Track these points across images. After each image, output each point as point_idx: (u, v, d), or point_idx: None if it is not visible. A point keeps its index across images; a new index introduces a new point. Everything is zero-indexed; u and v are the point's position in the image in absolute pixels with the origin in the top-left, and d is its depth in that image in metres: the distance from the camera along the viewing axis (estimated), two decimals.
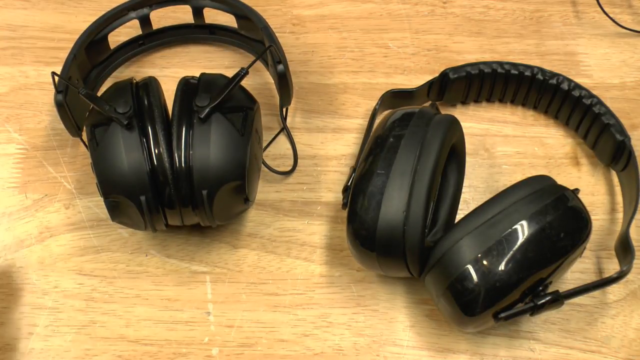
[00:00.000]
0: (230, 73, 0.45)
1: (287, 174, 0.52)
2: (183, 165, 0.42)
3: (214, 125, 0.42)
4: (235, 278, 0.49)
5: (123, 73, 0.58)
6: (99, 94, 0.47)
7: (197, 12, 0.57)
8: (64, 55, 0.58)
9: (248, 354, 0.47)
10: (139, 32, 0.57)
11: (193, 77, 0.46)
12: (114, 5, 0.61)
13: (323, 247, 0.51)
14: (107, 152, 0.42)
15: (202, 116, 0.42)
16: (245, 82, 0.45)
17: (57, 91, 0.46)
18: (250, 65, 0.45)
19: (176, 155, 0.42)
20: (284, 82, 0.49)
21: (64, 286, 0.49)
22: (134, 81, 0.46)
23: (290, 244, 0.51)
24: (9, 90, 0.57)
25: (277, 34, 0.61)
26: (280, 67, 0.49)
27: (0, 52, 0.58)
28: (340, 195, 0.52)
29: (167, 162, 0.42)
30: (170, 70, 0.59)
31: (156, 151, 0.42)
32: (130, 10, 0.55)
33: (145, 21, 0.56)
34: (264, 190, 0.53)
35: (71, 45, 0.59)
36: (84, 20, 0.60)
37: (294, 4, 0.63)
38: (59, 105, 0.46)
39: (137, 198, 0.42)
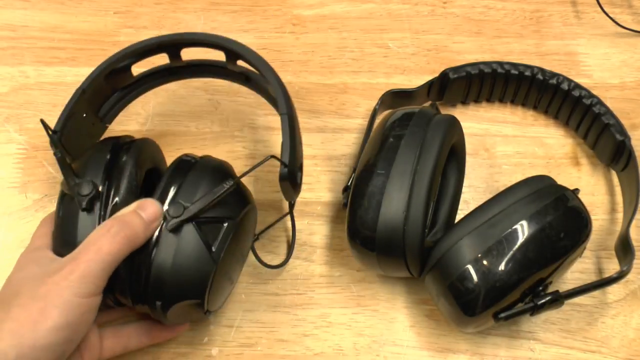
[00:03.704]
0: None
1: (278, 267, 0.49)
2: (140, 271, 0.39)
3: (182, 237, 0.39)
4: None
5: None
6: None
7: (231, 59, 0.49)
8: (64, 55, 0.58)
9: (248, 354, 0.47)
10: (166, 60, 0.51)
11: (189, 160, 0.42)
12: (115, 5, 0.61)
13: (323, 247, 0.51)
14: (64, 227, 0.41)
15: (169, 229, 0.39)
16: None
17: (52, 131, 0.43)
18: (242, 176, 0.41)
19: (135, 258, 0.39)
20: (285, 184, 0.43)
21: None
22: (124, 141, 0.44)
23: (289, 243, 0.51)
24: (9, 90, 0.56)
25: (277, 34, 0.61)
26: (284, 170, 0.42)
27: (0, 52, 0.58)
28: (340, 195, 0.52)
29: (125, 261, 0.39)
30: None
31: None
32: (160, 48, 0.48)
33: (175, 55, 0.50)
34: (264, 190, 0.53)
35: (71, 45, 0.59)
36: (84, 20, 0.61)
37: (294, 4, 0.63)
38: (55, 146, 0.43)
39: None
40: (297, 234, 0.51)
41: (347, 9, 0.63)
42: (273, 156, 0.42)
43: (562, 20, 0.63)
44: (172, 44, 0.48)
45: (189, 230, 0.39)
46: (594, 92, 0.54)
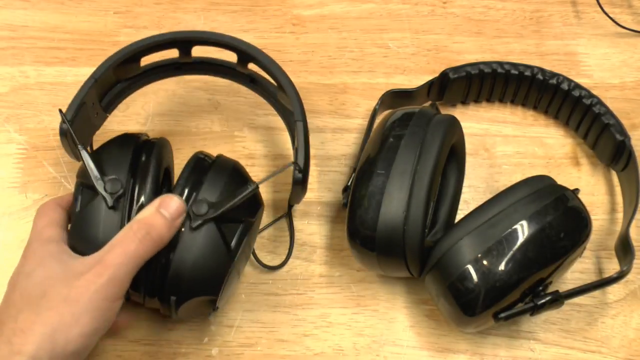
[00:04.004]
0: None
1: (277, 268, 0.50)
2: (159, 266, 0.40)
3: (204, 235, 0.40)
4: None
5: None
6: (112, 110, 0.45)
7: (243, 61, 0.50)
8: (64, 55, 0.58)
9: (248, 354, 0.47)
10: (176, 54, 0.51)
11: (205, 158, 0.43)
12: (115, 5, 0.61)
13: (323, 247, 0.51)
14: (86, 224, 0.40)
15: (193, 226, 0.39)
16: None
17: (64, 121, 0.43)
18: (263, 181, 0.42)
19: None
20: (297, 188, 0.45)
21: None
22: (144, 139, 0.44)
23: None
24: (9, 90, 0.56)
25: (277, 34, 0.61)
26: (299, 175, 0.44)
27: (0, 52, 0.58)
28: (340, 195, 0.52)
29: None
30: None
31: None
32: (173, 44, 0.49)
33: (185, 52, 0.50)
34: (264, 190, 0.53)
35: (71, 45, 0.59)
36: (84, 20, 0.61)
37: (294, 4, 0.63)
38: (63, 134, 0.44)
39: None
40: (297, 234, 0.51)
41: (347, 9, 0.63)
42: (294, 163, 0.43)
43: (562, 20, 0.63)
44: (187, 41, 0.49)
45: (211, 228, 0.40)
46: (594, 92, 0.54)
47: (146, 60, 0.50)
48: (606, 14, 0.62)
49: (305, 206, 0.52)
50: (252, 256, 0.49)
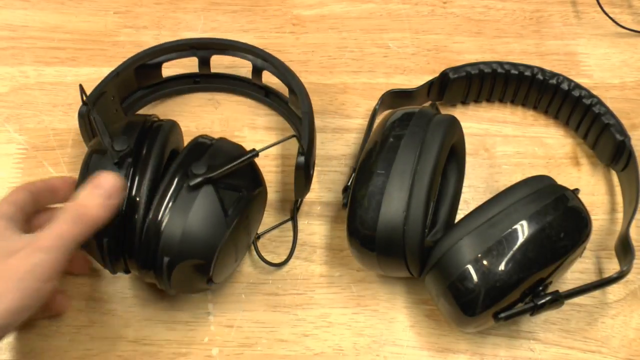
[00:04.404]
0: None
1: (279, 265, 0.50)
2: (154, 224, 0.40)
3: (201, 197, 0.40)
4: (235, 278, 0.49)
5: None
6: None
7: (257, 72, 0.54)
8: (64, 55, 0.58)
9: (248, 354, 0.47)
10: (195, 69, 0.55)
11: (209, 139, 0.44)
12: (115, 5, 0.61)
13: (323, 247, 0.51)
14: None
15: (191, 184, 0.40)
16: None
17: (83, 103, 0.44)
18: (263, 149, 0.42)
19: (152, 211, 0.40)
20: (299, 174, 0.46)
21: (64, 286, 0.48)
22: (154, 119, 0.45)
23: (290, 243, 0.51)
24: (9, 90, 0.56)
25: (277, 34, 0.61)
26: (301, 159, 0.45)
27: (0, 52, 0.58)
28: (340, 195, 0.52)
29: (141, 214, 0.41)
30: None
31: (136, 199, 0.41)
32: (193, 49, 0.53)
33: (204, 62, 0.54)
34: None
35: (71, 45, 0.59)
36: (84, 20, 0.61)
37: (294, 4, 0.63)
38: (81, 116, 0.45)
39: (100, 238, 0.40)
40: (297, 233, 0.51)
41: (347, 9, 0.63)
42: (295, 136, 0.44)
43: (562, 20, 0.63)
44: (204, 47, 0.52)
45: (208, 190, 0.40)
46: (594, 92, 0.54)
47: (168, 72, 0.52)
48: (606, 14, 0.62)
49: (306, 206, 0.52)
50: (254, 255, 0.49)
